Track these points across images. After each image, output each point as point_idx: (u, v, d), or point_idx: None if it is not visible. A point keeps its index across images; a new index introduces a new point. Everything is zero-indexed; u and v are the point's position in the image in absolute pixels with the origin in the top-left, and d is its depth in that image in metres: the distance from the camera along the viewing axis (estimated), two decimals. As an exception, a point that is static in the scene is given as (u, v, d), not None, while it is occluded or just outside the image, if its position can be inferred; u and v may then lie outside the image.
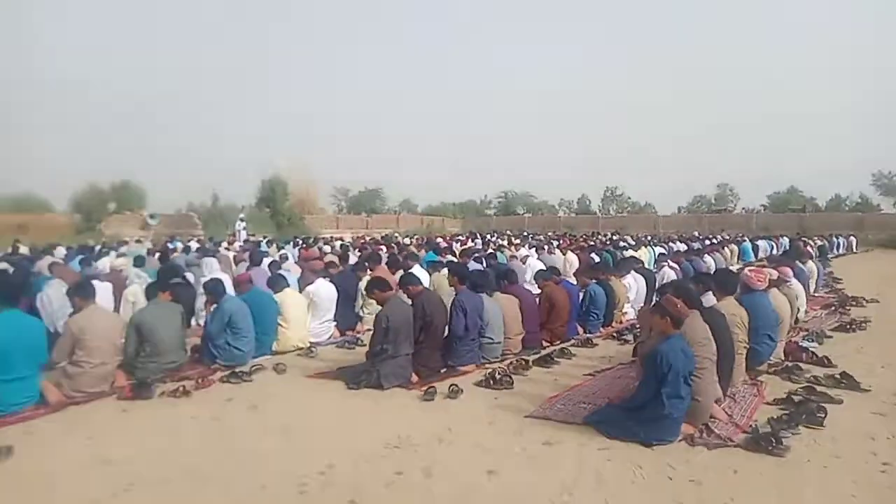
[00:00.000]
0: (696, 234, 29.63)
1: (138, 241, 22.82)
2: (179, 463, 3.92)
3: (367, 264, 9.00)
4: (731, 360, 5.10)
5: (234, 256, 11.31)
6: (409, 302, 6.01)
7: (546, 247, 14.58)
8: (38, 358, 5.04)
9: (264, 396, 5.37)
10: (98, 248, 17.44)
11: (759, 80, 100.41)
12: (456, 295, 6.27)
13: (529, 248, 15.65)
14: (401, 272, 7.97)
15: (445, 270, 8.25)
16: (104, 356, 5.39)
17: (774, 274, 6.54)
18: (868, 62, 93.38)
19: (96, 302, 5.74)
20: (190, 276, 8.61)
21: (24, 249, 16.89)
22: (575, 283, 8.46)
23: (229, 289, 7.29)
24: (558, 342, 7.49)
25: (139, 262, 10.06)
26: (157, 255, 13.42)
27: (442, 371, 6.01)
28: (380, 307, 5.84)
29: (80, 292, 5.55)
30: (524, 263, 12.42)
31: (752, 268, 6.66)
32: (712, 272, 9.18)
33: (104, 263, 11.49)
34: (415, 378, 5.72)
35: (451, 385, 5.35)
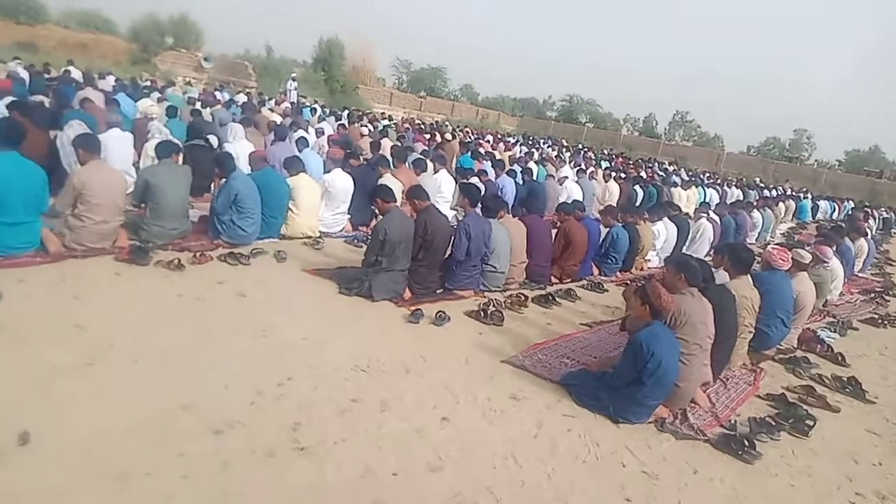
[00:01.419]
0: (758, 180, 28.11)
1: (188, 83, 22.77)
2: (152, 343, 3.94)
3: (391, 160, 8.70)
4: (731, 344, 4.84)
5: (269, 124, 11.04)
6: (413, 216, 5.78)
7: (589, 171, 13.92)
8: (38, 204, 5.03)
9: (255, 285, 5.35)
10: (145, 85, 17.41)
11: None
12: (463, 217, 6.01)
13: (571, 169, 15.03)
14: (423, 175, 7.68)
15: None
16: (106, 214, 5.38)
17: (807, 257, 6.05)
18: None
19: (103, 157, 5.64)
20: (214, 139, 8.45)
21: (76, 73, 16.95)
22: (598, 220, 8.08)
23: (244, 162, 7.16)
24: (568, 280, 7.26)
25: (171, 112, 9.93)
26: (197, 103, 13.33)
27: (437, 292, 5.88)
28: (381, 216, 5.63)
29: (85, 145, 5.44)
30: (561, 185, 11.95)
31: (777, 246, 6.20)
32: (741, 241, 8.66)
33: (144, 105, 11.43)
34: (407, 294, 5.61)
35: (438, 311, 5.23)
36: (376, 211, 8.03)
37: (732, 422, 4.23)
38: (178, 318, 4.47)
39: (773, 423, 4.26)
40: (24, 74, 13.61)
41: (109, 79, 16.95)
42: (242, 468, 2.88)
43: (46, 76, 14.99)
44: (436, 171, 9.50)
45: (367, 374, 4.06)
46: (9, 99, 7.94)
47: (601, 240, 7.76)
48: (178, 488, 2.67)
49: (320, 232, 7.31)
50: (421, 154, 11.10)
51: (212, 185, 7.80)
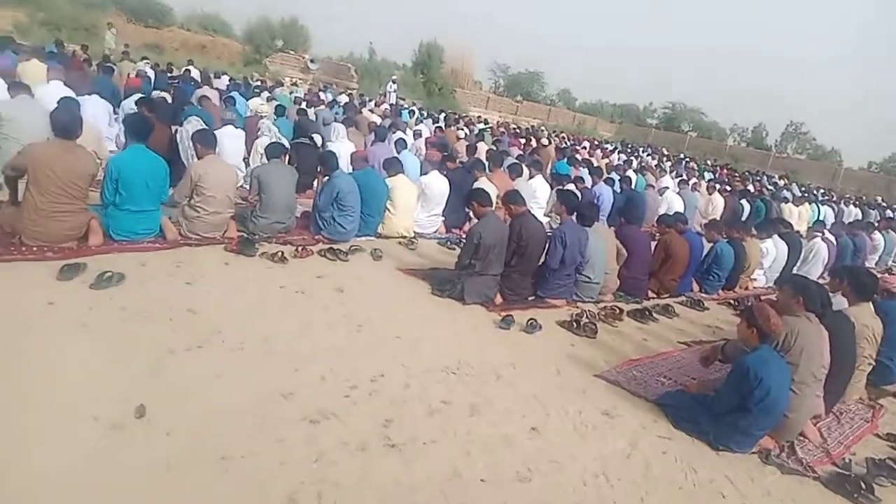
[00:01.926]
0: (880, 199, 25.89)
1: (294, 84, 23.79)
2: (256, 331, 4.11)
3: (487, 164, 8.70)
4: (848, 376, 4.48)
5: (369, 124, 11.34)
6: (507, 220, 5.74)
7: (691, 182, 13.34)
8: (160, 194, 5.41)
9: (352, 281, 5.50)
10: (255, 85, 18.35)
11: None
12: (559, 224, 5.90)
13: (672, 179, 14.47)
14: (518, 180, 7.62)
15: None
16: (218, 206, 5.70)
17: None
18: None
19: (218, 152, 5.97)
20: (318, 138, 8.78)
21: (194, 73, 18.08)
22: (702, 233, 7.71)
23: (346, 161, 7.37)
24: (666, 295, 6.98)
25: (280, 111, 10.41)
26: (303, 103, 13.89)
27: (529, 299, 5.82)
28: (476, 219, 5.62)
29: (203, 140, 5.80)
30: (661, 195, 11.54)
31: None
32: (859, 265, 7.98)
33: (254, 103, 12.05)
34: (499, 299, 5.58)
35: (530, 319, 5.16)
36: (470, 214, 8.13)
37: (846, 460, 3.90)
38: (280, 308, 4.66)
39: (895, 466, 3.90)
40: (150, 73, 14.68)
41: (224, 78, 18.01)
42: (335, 459, 2.94)
43: (169, 75, 16.10)
44: (531, 177, 9.42)
45: (457, 377, 4.07)
46: (137, 96, 8.58)
47: (703, 255, 7.41)
48: (275, 474, 2.76)
49: (415, 232, 7.42)
50: (516, 159, 11.04)
51: (314, 182, 8.11)
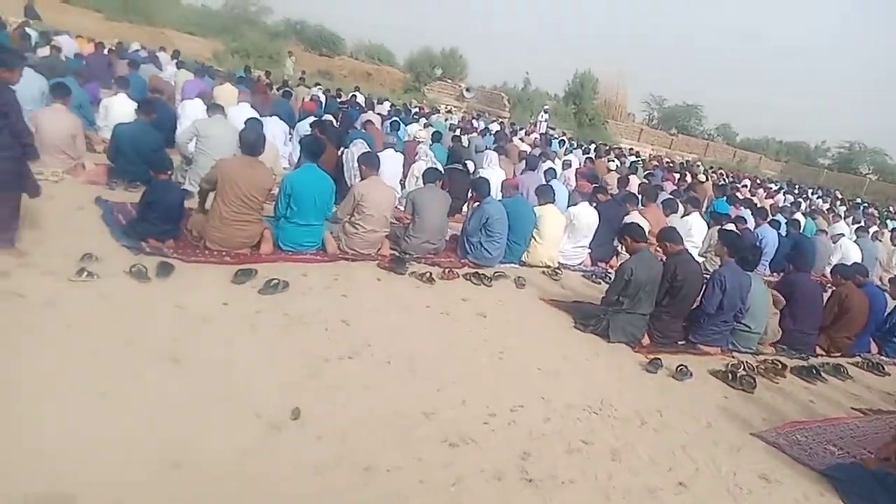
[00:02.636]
0: None
1: (449, 111, 24.65)
2: (402, 347, 4.25)
3: (639, 198, 8.40)
4: None
5: (520, 153, 11.44)
6: (662, 258, 5.48)
7: (872, 230, 11.96)
8: (325, 210, 5.82)
9: (495, 306, 5.53)
10: (414, 111, 19.25)
11: None
12: (719, 267, 5.53)
13: (848, 225, 13.06)
14: (672, 217, 7.27)
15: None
16: (375, 224, 6.01)
17: None
18: None
19: (379, 174, 6.30)
20: (470, 165, 8.99)
21: (360, 98, 19.36)
22: (886, 288, 6.86)
23: (496, 188, 7.47)
24: (837, 354, 6.27)
25: (437, 137, 10.82)
26: (457, 130, 14.34)
27: (679, 343, 5.49)
28: (628, 255, 5.42)
29: (368, 161, 6.16)
30: (834, 242, 10.46)
31: None
32: None
33: (412, 129, 12.64)
34: (646, 340, 5.32)
35: (680, 364, 4.86)
36: (618, 248, 7.90)
37: None
38: (425, 327, 4.79)
39: None
40: (322, 98, 15.93)
41: (386, 104, 19.11)
42: (472, 485, 2.94)
43: (338, 100, 17.36)
44: (686, 214, 8.97)
45: (599, 417, 3.92)
46: (311, 119, 9.34)
47: (886, 314, 6.57)
48: (414, 491, 2.81)
49: (559, 263, 7.32)
50: (670, 194, 10.57)
51: (464, 207, 8.31)
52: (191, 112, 8.09)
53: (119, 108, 7.75)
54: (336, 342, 4.12)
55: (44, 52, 11.56)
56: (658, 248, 5.81)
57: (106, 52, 14.11)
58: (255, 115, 8.26)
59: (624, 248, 5.63)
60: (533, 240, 7.05)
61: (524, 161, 9.87)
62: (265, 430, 3.02)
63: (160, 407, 3.01)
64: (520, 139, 17.13)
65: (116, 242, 4.94)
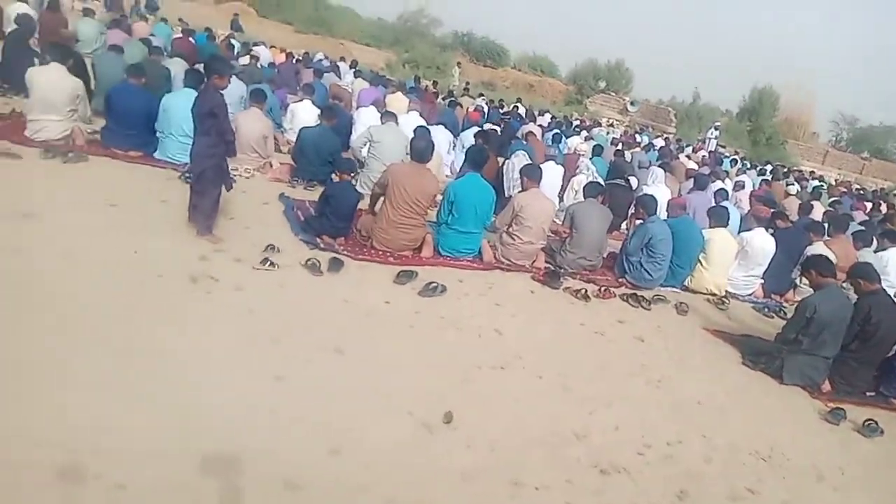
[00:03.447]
0: None
1: (611, 125, 24.04)
2: (553, 363, 4.16)
3: (827, 227, 7.57)
4: None
5: (686, 171, 10.83)
6: (853, 297, 4.87)
7: None
8: (485, 219, 5.90)
9: (653, 331, 5.26)
10: (574, 124, 19.00)
11: None
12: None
13: None
14: (864, 251, 6.46)
15: None
16: (532, 236, 5.98)
17: None
18: None
19: (540, 186, 6.26)
20: (633, 180, 8.66)
21: (521, 110, 19.49)
22: None
23: (662, 207, 7.11)
24: None
25: (597, 150, 10.54)
26: (619, 144, 13.91)
27: (867, 395, 4.86)
28: (811, 290, 4.89)
29: (529, 173, 6.14)
30: None
31: None
32: None
33: (573, 142, 12.46)
34: (826, 387, 4.77)
35: (868, 419, 4.28)
36: (797, 281, 7.18)
37: None
38: (578, 345, 4.67)
39: None
40: (485, 108, 16.23)
41: (546, 116, 19.04)
42: (622, 518, 2.81)
43: (500, 111, 17.59)
44: (882, 248, 7.90)
45: (768, 465, 3.57)
46: (475, 128, 9.54)
47: None
48: (562, 513, 2.75)
49: (727, 291, 6.80)
50: (861, 224, 9.41)
51: (623, 224, 8.02)
52: (366, 119, 8.59)
53: (303, 114, 8.44)
54: (488, 350, 4.15)
55: (244, 60, 12.90)
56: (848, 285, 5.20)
57: (294, 61, 15.47)
58: (423, 123, 8.59)
59: (808, 282, 5.08)
60: (699, 264, 6.62)
61: (692, 180, 9.30)
62: (417, 429, 3.10)
63: (323, 394, 3.20)
64: (686, 156, 16.23)
65: (295, 236, 5.37)
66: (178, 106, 6.20)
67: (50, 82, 6.14)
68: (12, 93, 7.63)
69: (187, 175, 5.52)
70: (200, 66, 6.43)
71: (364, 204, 6.00)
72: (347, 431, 2.94)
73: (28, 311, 3.27)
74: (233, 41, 16.48)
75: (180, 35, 13.97)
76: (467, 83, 24.07)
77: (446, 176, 8.36)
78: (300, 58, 16.28)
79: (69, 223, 4.49)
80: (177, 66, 8.79)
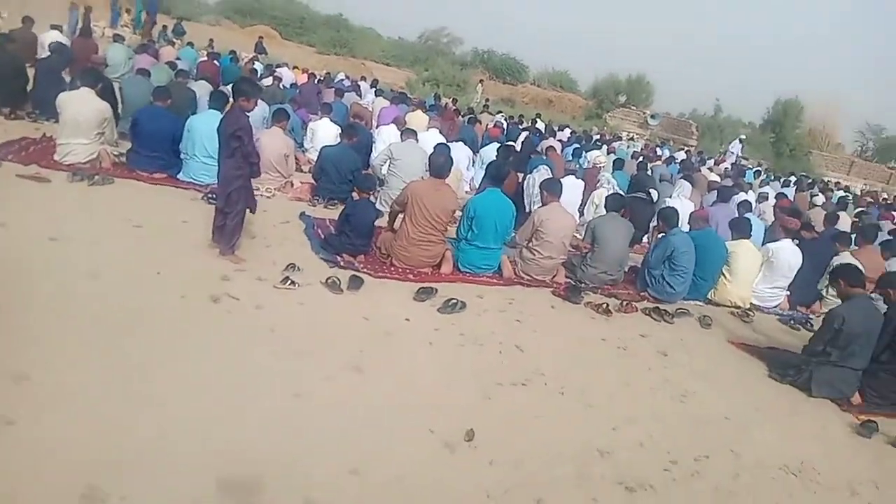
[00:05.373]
0: None
1: (631, 139, 23.90)
2: (574, 379, 4.12)
3: (854, 237, 7.42)
4: None
5: (709, 183, 10.72)
6: (882, 307, 4.76)
7: None
8: (504, 234, 5.89)
9: (676, 345, 5.18)
10: (595, 138, 18.94)
11: None
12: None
13: None
14: (892, 260, 6.31)
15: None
16: (553, 251, 5.96)
17: None
18: None
19: (560, 201, 6.23)
20: (654, 193, 8.59)
21: (540, 125, 19.50)
22: None
23: (684, 219, 7.04)
24: None
25: (618, 164, 10.48)
26: (640, 158, 13.82)
27: (902, 408, 4.72)
28: (839, 300, 4.79)
29: (550, 188, 6.14)
30: None
31: None
32: None
33: (592, 155, 12.41)
34: (856, 399, 4.65)
35: (903, 435, 4.17)
36: (823, 292, 7.03)
37: None
38: (599, 360, 4.62)
39: None
40: (504, 124, 16.27)
41: (566, 131, 19.04)
42: (649, 536, 2.75)
43: (520, 126, 17.63)
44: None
45: (799, 481, 3.48)
46: (496, 144, 9.57)
47: None
48: (585, 532, 2.70)
49: (752, 304, 6.68)
50: (889, 234, 9.22)
51: (644, 237, 7.94)
52: (386, 137, 8.67)
53: (323, 132, 8.56)
54: (509, 367, 4.12)
55: (267, 82, 13.13)
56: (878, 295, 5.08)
57: (316, 81, 15.70)
58: (443, 140, 8.63)
59: (836, 293, 4.98)
60: (722, 277, 6.52)
61: (714, 192, 9.21)
62: (439, 447, 3.08)
63: (344, 412, 3.20)
64: (708, 169, 16.07)
65: (315, 255, 5.41)
66: (203, 127, 6.33)
67: (78, 106, 6.33)
68: (43, 118, 7.87)
69: (210, 196, 5.60)
70: (225, 88, 6.57)
71: (383, 221, 6.04)
72: (368, 450, 2.93)
73: (54, 331, 3.34)
74: (256, 63, 16.78)
75: (205, 58, 14.29)
76: (487, 100, 24.21)
77: (465, 192, 8.38)
78: (322, 78, 16.52)
79: (95, 245, 4.58)
80: (202, 89, 8.97)
